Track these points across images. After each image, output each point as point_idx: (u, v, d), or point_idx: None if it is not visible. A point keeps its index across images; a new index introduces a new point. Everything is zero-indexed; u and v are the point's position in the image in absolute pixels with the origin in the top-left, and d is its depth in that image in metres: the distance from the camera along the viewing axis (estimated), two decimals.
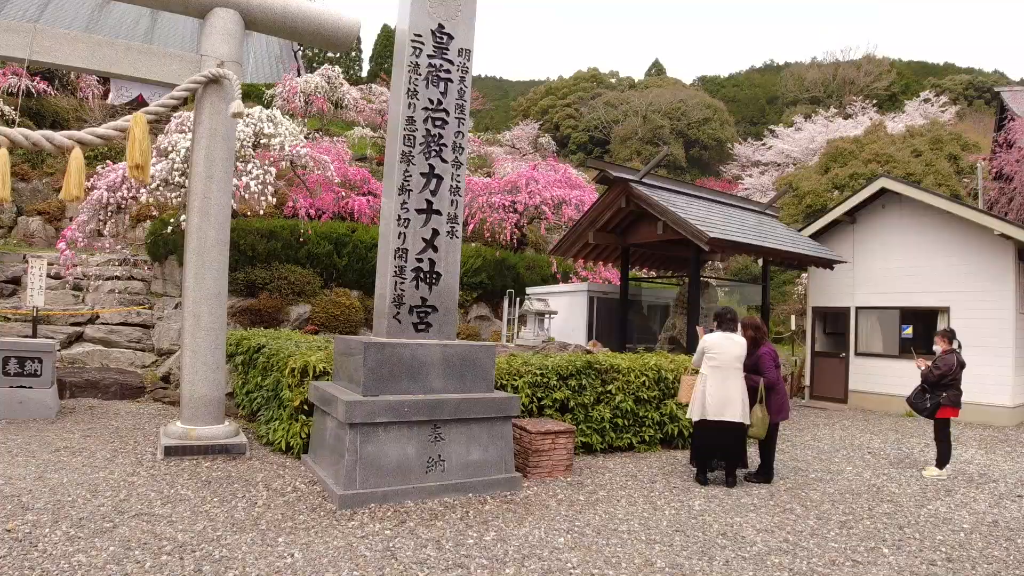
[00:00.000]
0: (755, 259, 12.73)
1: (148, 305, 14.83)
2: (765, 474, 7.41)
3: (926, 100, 40.38)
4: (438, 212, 6.65)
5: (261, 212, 14.68)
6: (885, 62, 57.13)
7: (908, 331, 14.90)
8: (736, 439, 7.06)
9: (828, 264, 13.70)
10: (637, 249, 14.13)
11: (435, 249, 6.63)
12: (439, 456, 6.08)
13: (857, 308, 15.61)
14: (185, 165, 14.04)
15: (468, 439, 6.25)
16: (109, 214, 14.82)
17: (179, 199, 14.22)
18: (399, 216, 6.41)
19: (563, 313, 14.60)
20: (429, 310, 6.58)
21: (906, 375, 14.49)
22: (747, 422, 7.02)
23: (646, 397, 8.61)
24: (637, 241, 13.15)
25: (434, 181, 6.62)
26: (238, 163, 14.64)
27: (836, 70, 56.22)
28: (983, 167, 27.00)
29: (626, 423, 8.50)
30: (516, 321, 11.26)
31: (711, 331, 7.42)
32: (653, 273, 16.61)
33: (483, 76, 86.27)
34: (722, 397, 6.91)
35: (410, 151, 6.48)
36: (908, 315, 14.82)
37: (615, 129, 54.63)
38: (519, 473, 6.57)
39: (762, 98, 68.25)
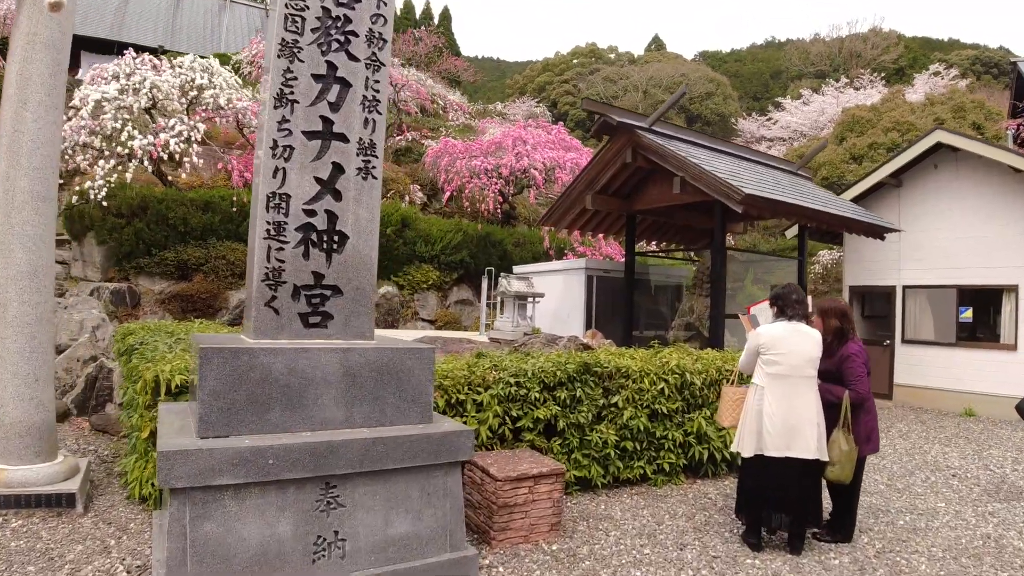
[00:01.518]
0: (793, 223, 10.29)
1: (60, 292, 12.38)
2: (843, 529, 5.03)
3: (935, 73, 38.59)
4: (342, 138, 4.20)
5: (183, 176, 12.17)
6: (892, 35, 55.42)
7: (967, 314, 12.50)
8: (807, 484, 4.66)
9: (880, 233, 11.27)
10: (645, 217, 11.68)
11: (337, 196, 4.20)
12: (335, 534, 3.67)
13: (904, 287, 13.20)
14: (96, 121, 11.56)
15: (387, 502, 3.85)
16: None
17: (89, 161, 11.72)
18: (275, 143, 3.97)
19: (555, 296, 12.17)
20: (327, 293, 4.15)
21: (967, 367, 12.09)
22: (824, 458, 4.63)
23: (665, 410, 6.21)
24: (646, 206, 10.70)
25: (335, 89, 4.17)
26: (161, 118, 12.15)
27: (841, 44, 54.42)
28: (1010, 135, 24.80)
29: (638, 447, 6.11)
30: (498, 307, 8.84)
31: (755, 317, 5.05)
32: (660, 247, 14.16)
33: (480, 57, 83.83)
34: (788, 421, 4.52)
35: (296, 40, 4.03)
36: (967, 295, 12.43)
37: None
38: (474, 549, 4.15)
39: (766, 73, 66.45)
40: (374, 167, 4.39)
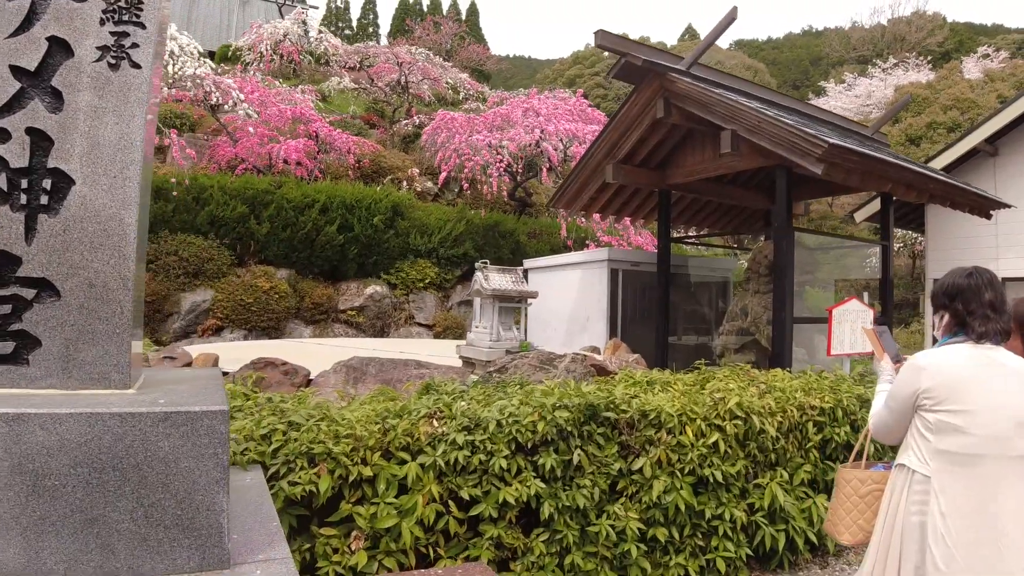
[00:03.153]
0: (885, 191, 7.80)
1: None
2: None
3: (984, 56, 36.20)
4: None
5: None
6: (938, 17, 53.02)
7: None
8: None
9: (987, 210, 8.76)
10: (682, 193, 9.33)
11: (55, 101, 1.99)
12: None
13: (1004, 280, 10.58)
14: None
15: None
16: None
17: None
18: None
19: (570, 297, 9.87)
20: (26, 294, 1.95)
21: None
22: None
23: (720, 477, 3.90)
24: (683, 179, 8.35)
25: None
26: None
27: (884, 28, 52.37)
28: None
29: (676, 536, 3.80)
30: (475, 312, 6.40)
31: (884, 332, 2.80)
32: (699, 234, 11.76)
33: (511, 56, 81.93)
34: (982, 549, 2.18)
35: None
36: None
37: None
38: None
39: (805, 60, 64.22)
40: (137, 46, 2.20)
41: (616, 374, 5.03)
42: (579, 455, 3.51)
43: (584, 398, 3.71)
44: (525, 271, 8.61)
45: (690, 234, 10.96)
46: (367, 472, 3.10)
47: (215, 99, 11.77)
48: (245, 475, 3.00)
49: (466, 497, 3.26)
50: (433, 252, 12.51)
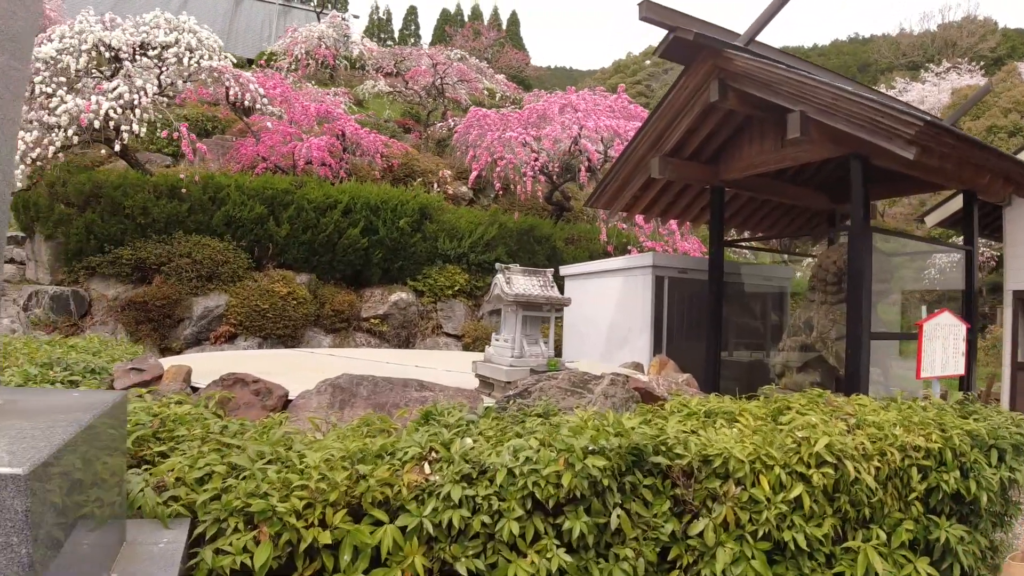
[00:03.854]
0: (983, 182, 6.69)
1: None
2: None
3: None
4: None
5: (117, 147, 9.61)
6: (989, 22, 51.37)
7: None
8: None
9: None
10: (738, 191, 8.37)
11: None
12: None
13: None
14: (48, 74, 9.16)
15: None
16: None
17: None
18: None
19: (609, 307, 8.97)
20: None
21: None
22: None
23: (802, 541, 2.97)
24: (739, 174, 7.40)
25: None
26: (104, 79, 9.63)
27: (933, 36, 51.23)
28: None
29: None
30: (501, 323, 5.43)
31: None
32: (751, 238, 10.75)
33: (552, 67, 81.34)
34: None
35: None
36: None
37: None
38: None
39: (852, 66, 63.03)
40: None
41: (665, 401, 4.12)
42: (619, 516, 2.62)
43: (626, 437, 2.82)
44: (556, 273, 7.72)
45: (741, 238, 9.95)
46: (326, 538, 2.27)
47: (234, 94, 11.17)
48: (161, 535, 2.21)
49: (464, 572, 2.40)
50: (463, 257, 11.72)
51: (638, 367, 6.96)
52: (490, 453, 2.66)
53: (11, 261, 11.10)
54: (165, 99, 10.28)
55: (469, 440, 2.85)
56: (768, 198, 8.90)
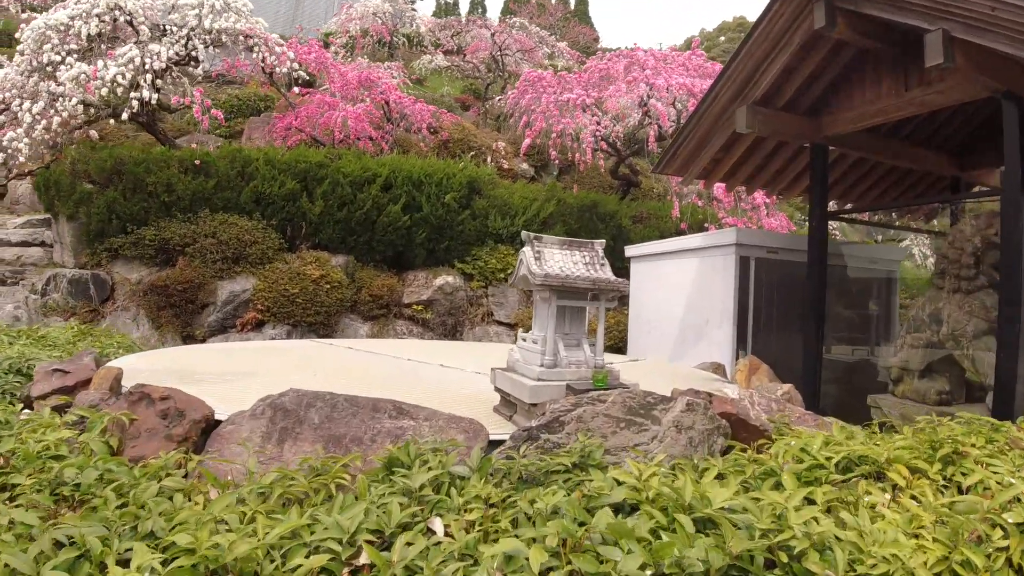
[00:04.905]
0: None
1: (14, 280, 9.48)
2: None
3: None
4: None
5: (125, 116, 8.73)
6: None
7: None
8: None
9: None
10: (844, 151, 6.86)
11: None
12: None
13: None
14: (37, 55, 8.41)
15: None
16: None
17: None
18: None
19: (682, 294, 7.59)
20: None
21: None
22: None
23: None
24: (849, 126, 5.91)
25: None
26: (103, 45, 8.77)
27: None
28: None
29: None
30: (542, 315, 4.00)
31: None
32: (857, 209, 9.14)
33: (623, 48, 78.88)
34: None
35: None
36: None
37: None
38: None
39: None
40: None
41: (766, 433, 2.80)
42: None
43: (720, 550, 1.54)
44: (619, 256, 6.42)
45: (844, 210, 8.34)
46: None
47: (268, 64, 10.22)
48: None
49: None
50: (517, 237, 10.48)
51: (718, 369, 5.59)
52: (461, 571, 1.43)
53: (41, 244, 10.55)
54: (191, 67, 9.42)
55: (438, 525, 1.64)
56: (880, 160, 7.32)
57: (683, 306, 7.55)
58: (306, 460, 2.36)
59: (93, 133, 10.58)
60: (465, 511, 1.77)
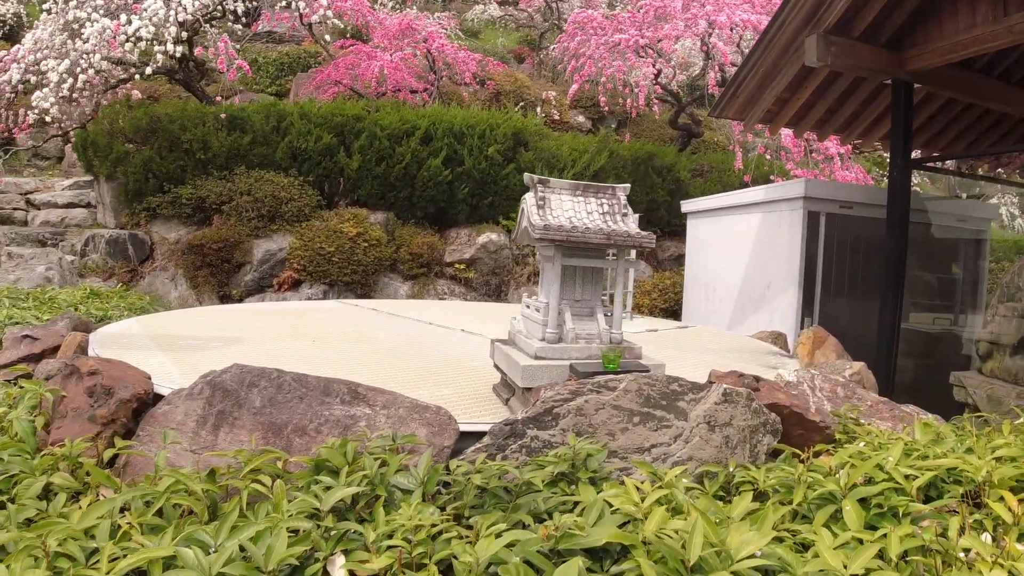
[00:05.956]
0: None
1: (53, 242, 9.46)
2: None
3: None
4: None
5: (149, 71, 8.44)
6: None
7: None
8: None
9: None
10: (931, 91, 5.98)
11: None
12: None
13: None
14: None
15: None
16: None
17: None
18: None
19: (742, 253, 6.89)
20: None
21: None
22: None
23: None
24: (935, 60, 5.07)
25: None
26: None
27: None
28: None
29: None
30: (549, 277, 3.36)
31: None
32: (946, 156, 8.17)
33: None
34: None
35: None
36: None
37: None
38: None
39: None
40: None
41: (828, 431, 2.20)
42: None
43: None
44: (675, 212, 5.76)
45: (929, 157, 7.39)
46: None
47: (304, 13, 9.74)
48: None
49: None
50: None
51: (779, 339, 4.93)
52: None
53: (87, 205, 10.52)
54: (230, 22, 9.04)
55: (338, 571, 1.16)
56: (971, 103, 6.37)
57: (743, 267, 6.84)
58: (239, 453, 1.92)
59: (136, 93, 10.41)
60: (381, 548, 1.29)
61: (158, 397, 2.44)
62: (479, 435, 2.06)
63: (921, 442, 2.17)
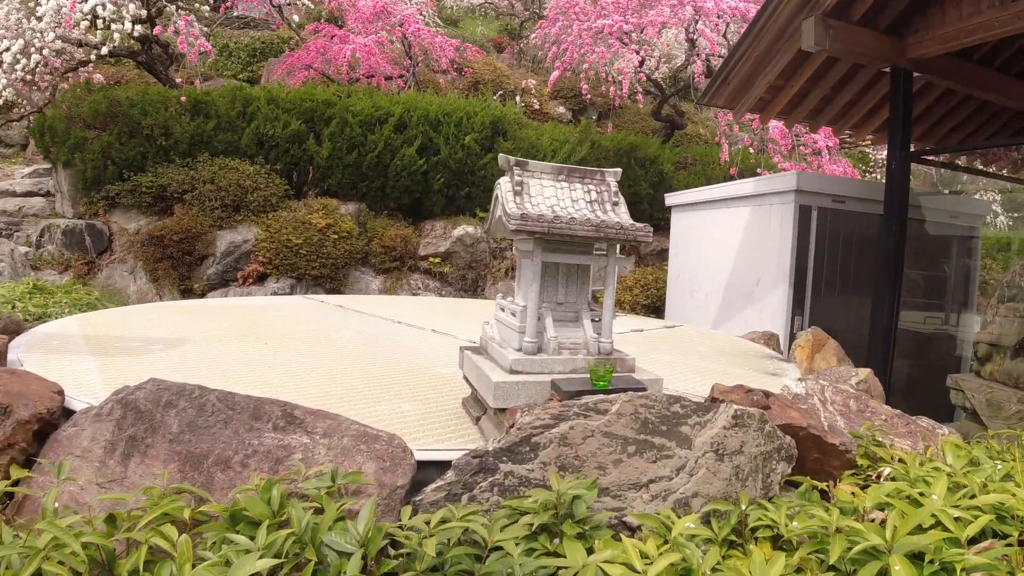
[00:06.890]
0: None
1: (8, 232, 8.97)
2: None
3: None
4: None
5: (105, 51, 7.98)
6: None
7: None
8: None
9: None
10: (930, 80, 5.73)
11: None
12: None
13: None
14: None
15: None
16: None
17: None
18: None
19: (730, 248, 6.61)
20: None
21: None
22: None
23: None
24: (936, 48, 4.80)
25: None
26: None
27: None
28: None
29: None
30: (526, 276, 3.04)
31: None
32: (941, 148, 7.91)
33: None
34: None
35: None
36: None
37: None
38: None
39: None
40: None
41: (849, 455, 1.90)
42: None
43: None
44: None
45: (928, 148, 7.15)
46: None
47: None
48: None
49: None
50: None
51: (771, 340, 4.65)
52: None
53: (46, 194, 10.00)
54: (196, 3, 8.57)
55: None
56: (971, 93, 6.14)
57: (731, 263, 6.57)
58: (149, 491, 1.57)
59: (99, 76, 9.89)
60: None
61: (72, 414, 2.07)
62: (444, 465, 1.73)
63: (955, 465, 1.88)
